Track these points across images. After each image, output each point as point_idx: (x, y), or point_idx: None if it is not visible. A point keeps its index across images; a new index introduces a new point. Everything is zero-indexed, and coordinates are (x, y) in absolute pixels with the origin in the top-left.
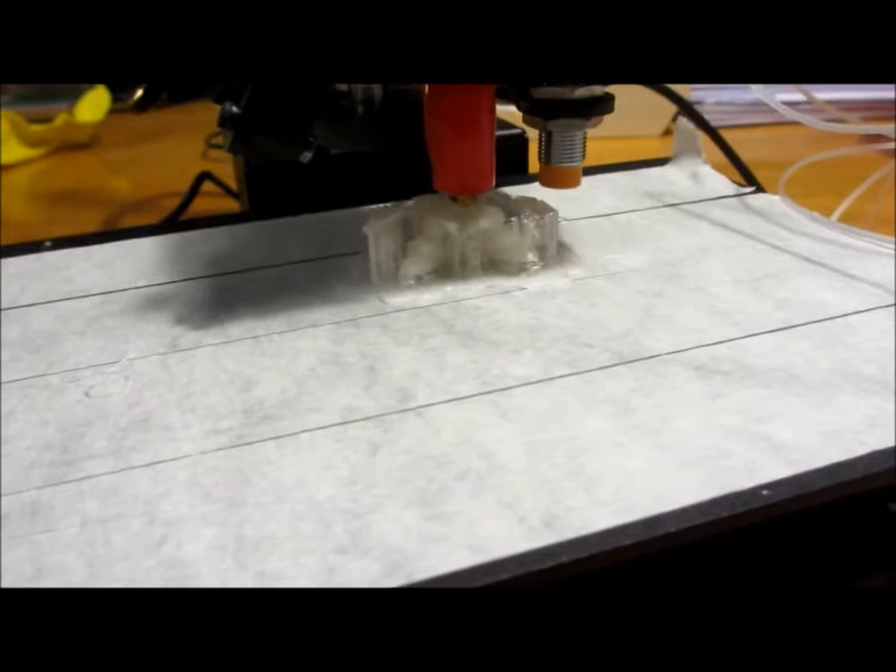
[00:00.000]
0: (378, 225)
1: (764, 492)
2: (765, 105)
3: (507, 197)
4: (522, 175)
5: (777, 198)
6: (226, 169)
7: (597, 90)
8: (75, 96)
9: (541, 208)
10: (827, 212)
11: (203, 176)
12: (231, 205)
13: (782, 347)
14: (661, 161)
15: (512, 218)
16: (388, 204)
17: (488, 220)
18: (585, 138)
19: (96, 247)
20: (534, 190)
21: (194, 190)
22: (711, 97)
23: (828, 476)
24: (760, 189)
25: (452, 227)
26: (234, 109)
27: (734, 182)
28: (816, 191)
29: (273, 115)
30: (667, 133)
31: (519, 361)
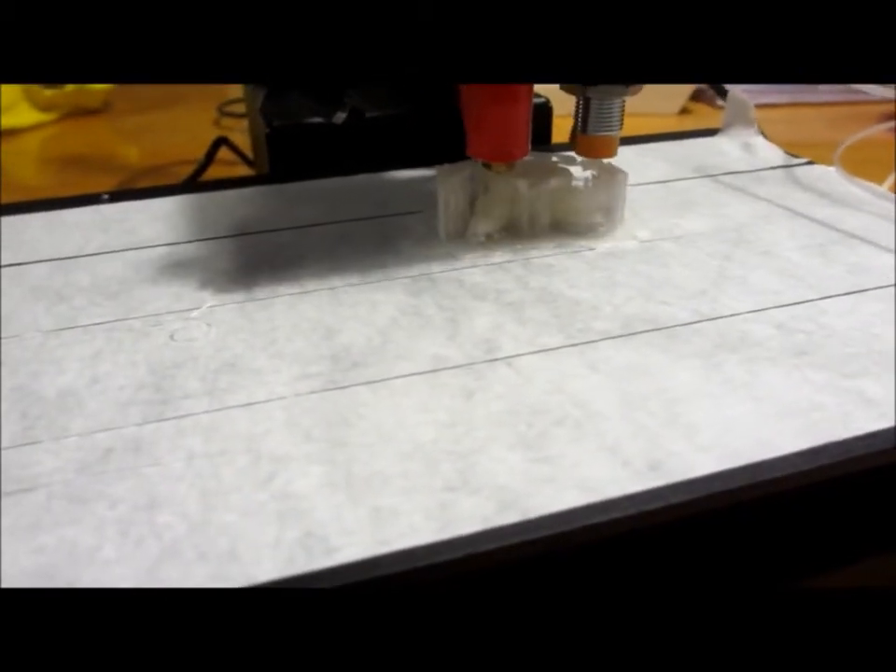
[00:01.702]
0: (448, 182)
1: (862, 443)
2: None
3: (572, 158)
4: (546, 146)
5: (832, 169)
6: (239, 137)
7: None
8: None
9: (611, 170)
10: (879, 182)
11: (220, 141)
12: (245, 172)
13: (858, 309)
14: (710, 132)
15: (582, 179)
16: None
17: (558, 180)
18: (623, 106)
19: (154, 201)
20: None
21: (211, 155)
22: None
23: None
24: (812, 161)
25: (522, 185)
26: None
27: (788, 153)
28: (866, 164)
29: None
30: (683, 111)
31: (599, 316)
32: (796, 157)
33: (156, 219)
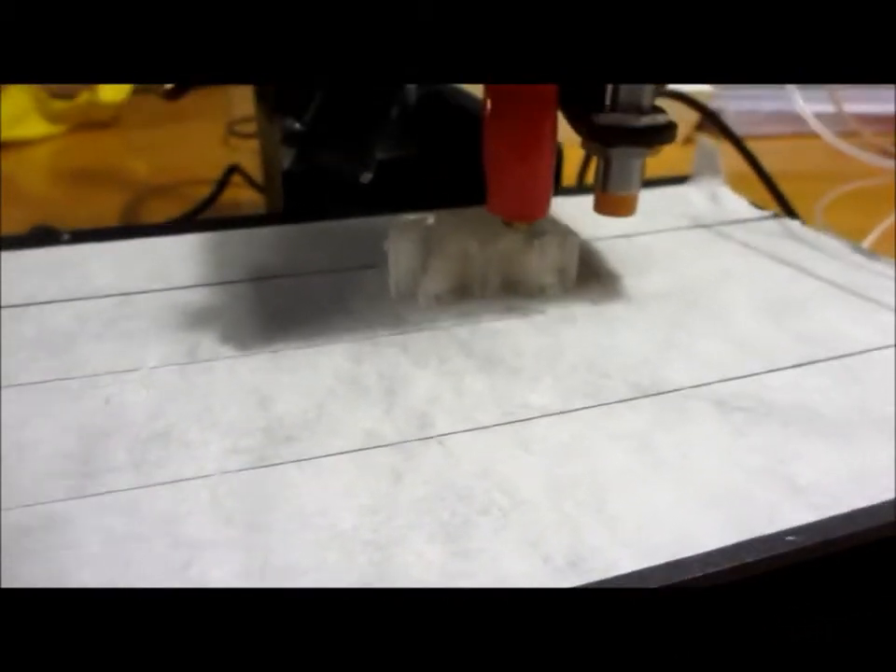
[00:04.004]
0: (398, 241)
1: (788, 537)
2: (786, 114)
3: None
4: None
5: (797, 223)
6: (246, 158)
7: (661, 118)
8: None
9: (563, 231)
10: (857, 236)
11: (232, 170)
12: (254, 197)
13: (802, 384)
14: (680, 179)
15: (535, 240)
16: (409, 217)
17: (509, 241)
18: (644, 167)
19: (116, 243)
20: (564, 205)
21: (222, 184)
22: (732, 106)
23: (851, 522)
24: (786, 210)
25: (473, 246)
26: (297, 126)
27: (753, 204)
28: (844, 216)
29: (339, 134)
30: (687, 141)
31: (538, 389)
32: (762, 208)
33: (115, 264)
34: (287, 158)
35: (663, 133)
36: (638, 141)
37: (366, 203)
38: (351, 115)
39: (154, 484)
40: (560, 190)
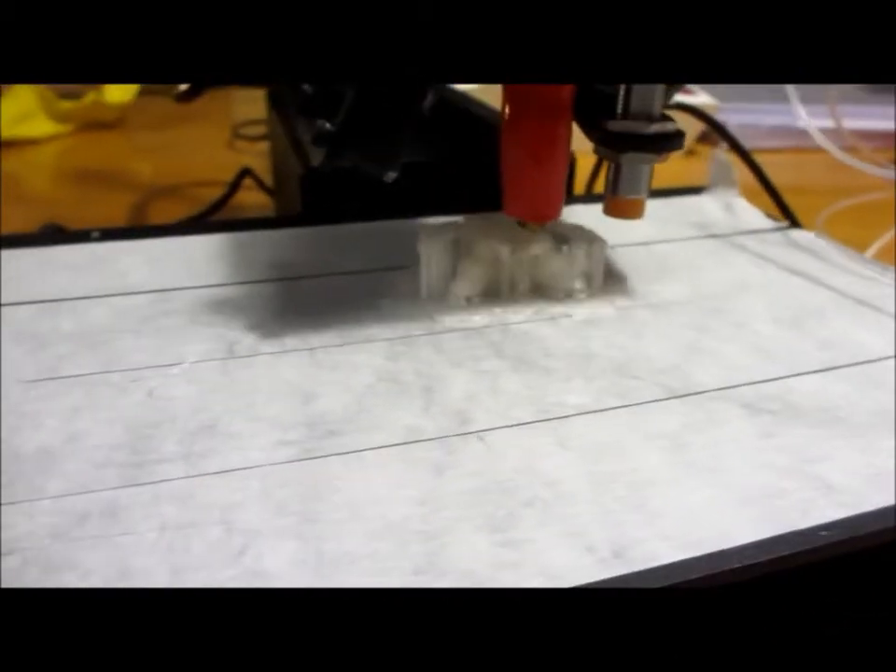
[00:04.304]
0: (430, 245)
1: (822, 532)
2: (788, 129)
3: (556, 223)
4: (567, 197)
5: (811, 234)
6: (253, 161)
7: (671, 126)
8: None
9: (590, 237)
10: (861, 247)
11: (245, 173)
12: (264, 200)
13: (825, 388)
14: (695, 190)
15: (563, 246)
16: (440, 221)
17: (539, 246)
18: (652, 172)
19: (145, 241)
20: (578, 213)
21: (235, 186)
22: (735, 119)
23: (880, 519)
24: (794, 224)
25: (504, 251)
26: (328, 127)
27: (767, 215)
28: (850, 227)
29: (368, 134)
30: (690, 152)
31: (572, 389)
32: (776, 220)
33: (146, 262)
34: (315, 157)
35: (671, 141)
36: (648, 147)
37: (386, 206)
38: (380, 115)
39: (205, 474)
40: (572, 199)
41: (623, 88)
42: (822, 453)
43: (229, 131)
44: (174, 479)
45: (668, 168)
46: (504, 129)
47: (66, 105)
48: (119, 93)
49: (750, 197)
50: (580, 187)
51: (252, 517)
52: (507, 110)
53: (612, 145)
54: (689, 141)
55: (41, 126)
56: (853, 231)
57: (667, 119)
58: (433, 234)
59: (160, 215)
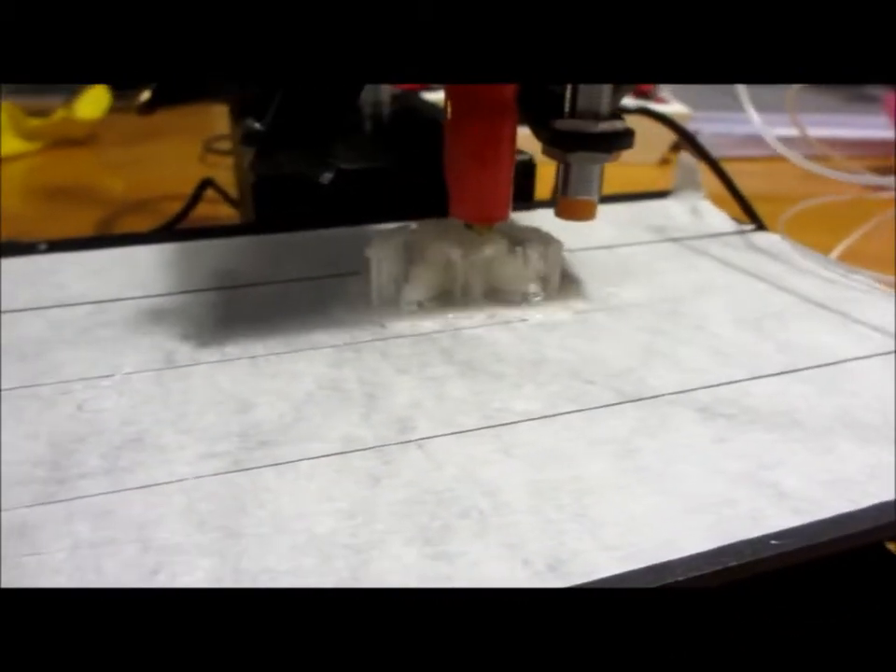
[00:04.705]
0: (381, 249)
1: (773, 541)
2: (760, 138)
3: (511, 225)
4: (528, 202)
5: (776, 237)
6: (224, 174)
7: (619, 124)
8: (74, 91)
9: (546, 239)
10: (826, 250)
11: (206, 184)
12: (229, 212)
13: (783, 392)
14: (661, 194)
15: (517, 248)
16: (391, 226)
17: (492, 249)
18: (602, 172)
19: (91, 252)
20: (539, 218)
21: (196, 197)
22: (708, 128)
23: (835, 527)
24: (760, 227)
25: (455, 254)
26: (257, 126)
27: (733, 219)
28: (815, 230)
29: (296, 134)
30: (664, 161)
31: (520, 395)
32: (741, 222)
33: (90, 273)
34: (246, 158)
35: (621, 139)
36: (597, 146)
37: (341, 213)
38: (309, 115)
39: (126, 489)
40: (535, 203)
41: (570, 86)
42: (778, 458)
43: (200, 145)
44: (93, 495)
45: (643, 175)
46: (447, 129)
47: (35, 122)
48: (89, 109)
49: (720, 204)
50: (545, 191)
51: (171, 534)
52: (450, 110)
53: (560, 144)
54: (663, 150)
55: (9, 144)
56: (820, 234)
57: (617, 116)
58: (384, 238)
59: (128, 229)
